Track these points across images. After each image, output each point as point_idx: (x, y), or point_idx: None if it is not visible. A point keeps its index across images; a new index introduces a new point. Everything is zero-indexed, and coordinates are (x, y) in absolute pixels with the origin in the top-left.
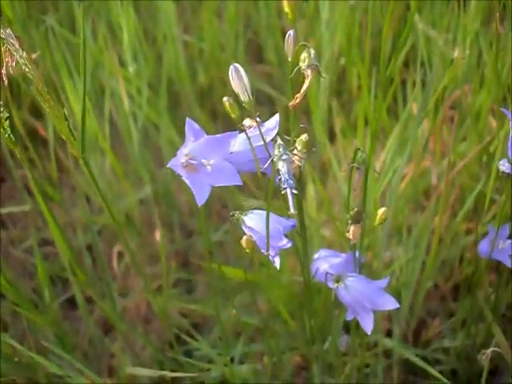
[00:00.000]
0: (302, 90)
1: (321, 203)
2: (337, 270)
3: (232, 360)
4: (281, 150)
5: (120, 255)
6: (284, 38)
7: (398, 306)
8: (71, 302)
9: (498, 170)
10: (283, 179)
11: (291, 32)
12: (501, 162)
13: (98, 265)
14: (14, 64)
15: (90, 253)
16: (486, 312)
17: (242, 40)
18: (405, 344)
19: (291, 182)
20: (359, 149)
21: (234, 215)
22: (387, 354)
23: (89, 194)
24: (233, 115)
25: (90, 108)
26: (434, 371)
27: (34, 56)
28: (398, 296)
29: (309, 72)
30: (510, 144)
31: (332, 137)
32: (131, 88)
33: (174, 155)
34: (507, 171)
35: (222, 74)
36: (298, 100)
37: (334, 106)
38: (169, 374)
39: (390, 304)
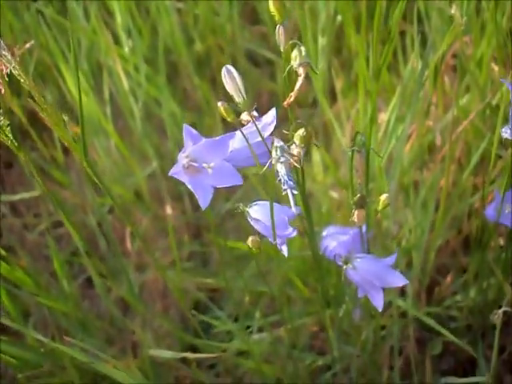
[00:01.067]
0: (295, 88)
1: (327, 166)
2: (345, 248)
3: (250, 330)
4: (278, 152)
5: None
6: None
7: (407, 282)
8: (89, 280)
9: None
10: (283, 181)
11: (281, 26)
12: (503, 130)
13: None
14: (8, 71)
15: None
16: (497, 272)
17: (237, 3)
18: (418, 303)
19: (291, 183)
20: (358, 132)
21: (238, 208)
22: (402, 313)
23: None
24: (229, 119)
25: (89, 90)
26: (444, 331)
27: (27, 45)
28: (408, 256)
29: (301, 70)
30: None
31: (335, 95)
32: (128, 66)
33: (175, 162)
34: (510, 138)
35: (218, 41)
36: (292, 98)
37: (333, 66)
38: (189, 356)
39: (398, 281)
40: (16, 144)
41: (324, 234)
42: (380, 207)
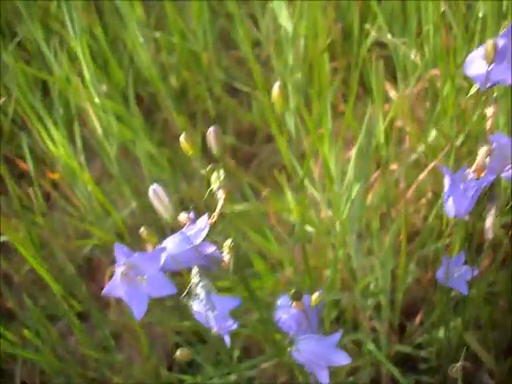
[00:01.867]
0: (216, 211)
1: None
2: (296, 321)
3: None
4: (196, 279)
5: None
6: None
7: (350, 361)
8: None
9: None
10: (203, 304)
11: (212, 129)
12: None
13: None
14: None
15: (89, 266)
16: (456, 321)
17: (211, 32)
18: (390, 343)
19: (210, 305)
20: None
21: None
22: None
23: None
24: (150, 243)
25: (64, 141)
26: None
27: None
28: (377, 299)
29: (220, 193)
30: (446, 198)
31: None
32: (99, 111)
33: (111, 278)
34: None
35: (193, 75)
36: (215, 219)
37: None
38: None
39: (342, 360)
40: None
41: (278, 303)
42: (312, 303)
